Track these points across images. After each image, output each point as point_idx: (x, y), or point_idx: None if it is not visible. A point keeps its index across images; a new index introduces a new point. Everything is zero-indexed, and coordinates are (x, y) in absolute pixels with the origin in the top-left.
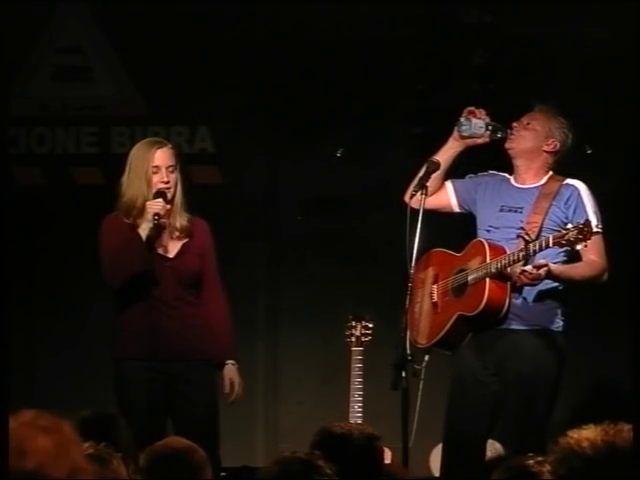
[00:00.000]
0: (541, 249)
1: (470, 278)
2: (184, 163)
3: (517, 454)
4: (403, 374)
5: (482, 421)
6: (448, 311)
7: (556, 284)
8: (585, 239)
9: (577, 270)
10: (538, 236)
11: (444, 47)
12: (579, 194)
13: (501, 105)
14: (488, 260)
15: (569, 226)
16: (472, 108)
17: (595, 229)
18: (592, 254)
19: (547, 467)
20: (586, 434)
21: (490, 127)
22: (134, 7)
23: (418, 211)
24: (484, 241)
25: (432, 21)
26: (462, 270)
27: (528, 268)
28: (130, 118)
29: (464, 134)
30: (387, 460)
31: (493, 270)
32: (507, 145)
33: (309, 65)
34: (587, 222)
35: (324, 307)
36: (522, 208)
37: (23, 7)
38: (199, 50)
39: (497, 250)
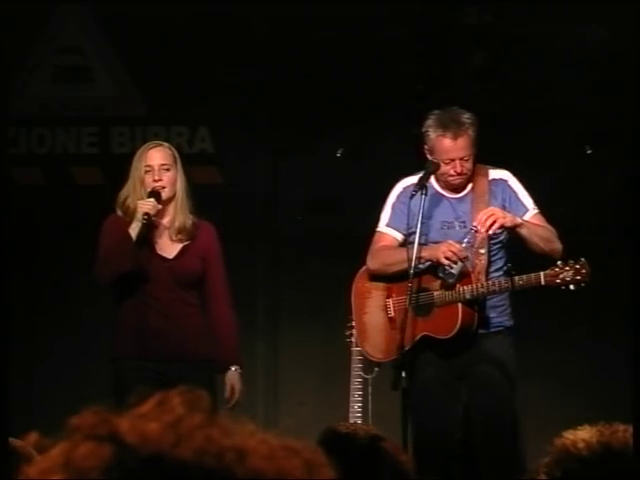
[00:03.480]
0: (529, 284)
1: (437, 300)
2: (184, 164)
3: (494, 456)
4: (403, 374)
5: (452, 423)
6: (410, 330)
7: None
8: (583, 280)
9: (539, 228)
10: (487, 246)
11: (444, 47)
12: (509, 186)
13: (501, 105)
14: (457, 287)
15: (559, 263)
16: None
17: (534, 210)
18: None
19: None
20: (581, 435)
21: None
22: (134, 7)
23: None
24: None
25: (432, 21)
26: (425, 290)
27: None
28: (130, 118)
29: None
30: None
31: (467, 297)
32: (456, 191)
33: (309, 65)
34: (582, 262)
35: (324, 307)
36: (464, 222)
37: (23, 7)
38: (199, 50)
39: (465, 276)
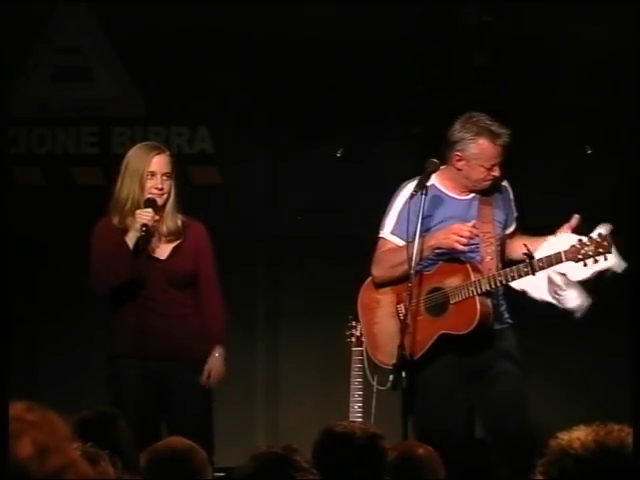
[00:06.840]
0: (550, 265)
1: (452, 297)
2: (179, 167)
3: (515, 453)
4: (403, 374)
5: (460, 424)
6: (426, 331)
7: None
8: (606, 251)
9: None
10: (498, 245)
11: (444, 47)
12: (508, 192)
13: (501, 105)
14: (473, 278)
15: (584, 240)
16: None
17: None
18: None
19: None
20: (577, 435)
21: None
22: (134, 7)
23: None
24: (464, 260)
25: (432, 21)
26: (437, 289)
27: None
28: (130, 118)
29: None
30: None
31: (485, 288)
32: (463, 193)
33: (309, 65)
34: (602, 236)
35: (324, 307)
36: (468, 222)
37: (23, 7)
38: (199, 50)
39: (477, 268)
